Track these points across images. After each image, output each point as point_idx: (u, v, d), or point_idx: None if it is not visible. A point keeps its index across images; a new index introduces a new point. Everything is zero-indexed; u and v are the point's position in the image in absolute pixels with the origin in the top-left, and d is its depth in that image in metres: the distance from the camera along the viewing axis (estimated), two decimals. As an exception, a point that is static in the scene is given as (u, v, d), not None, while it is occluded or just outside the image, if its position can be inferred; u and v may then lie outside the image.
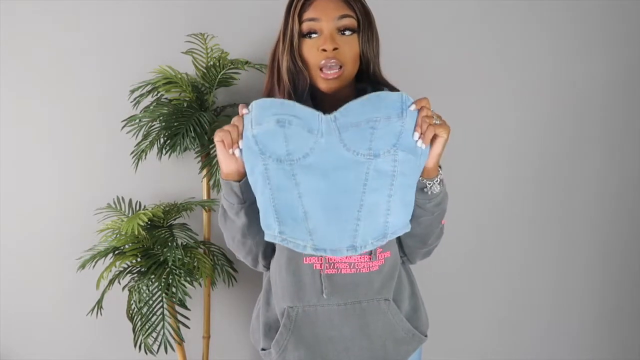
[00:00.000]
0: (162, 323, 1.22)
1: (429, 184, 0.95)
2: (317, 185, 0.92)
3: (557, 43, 1.61)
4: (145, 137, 1.36)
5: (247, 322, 1.33)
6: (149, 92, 1.36)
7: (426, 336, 1.11)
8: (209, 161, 1.39)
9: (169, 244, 1.30)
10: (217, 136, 0.92)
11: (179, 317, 1.30)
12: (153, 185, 1.51)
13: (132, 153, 1.37)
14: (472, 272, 1.70)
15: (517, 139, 1.65)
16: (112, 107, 1.45)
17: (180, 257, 1.25)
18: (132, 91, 1.38)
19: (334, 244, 0.95)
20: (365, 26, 1.00)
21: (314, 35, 0.97)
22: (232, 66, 1.38)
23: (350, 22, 0.97)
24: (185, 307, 1.25)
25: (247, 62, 1.39)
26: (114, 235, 1.31)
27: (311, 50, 0.97)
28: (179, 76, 1.35)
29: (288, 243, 0.96)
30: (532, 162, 1.66)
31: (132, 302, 1.26)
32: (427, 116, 0.89)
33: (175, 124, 1.31)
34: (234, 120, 0.93)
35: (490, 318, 1.74)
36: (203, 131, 1.31)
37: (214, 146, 1.35)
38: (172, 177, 1.51)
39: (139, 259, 1.30)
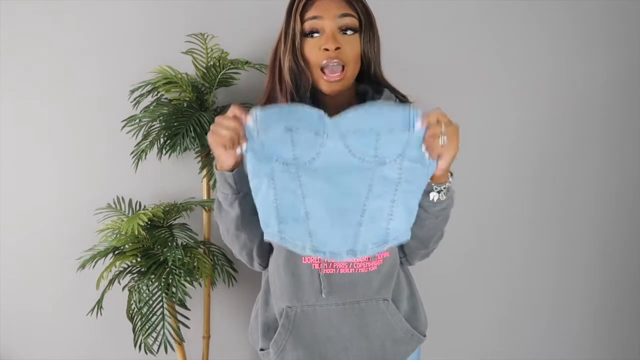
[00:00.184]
0: (162, 323, 1.22)
1: (437, 188, 0.95)
2: (321, 187, 0.92)
3: (557, 43, 1.61)
4: (145, 137, 1.36)
5: (247, 322, 1.33)
6: (149, 92, 1.36)
7: (425, 336, 1.11)
8: (209, 161, 1.39)
9: (169, 244, 1.30)
10: (215, 141, 0.88)
11: (179, 317, 1.30)
12: (153, 185, 1.51)
13: (132, 153, 1.37)
14: (471, 272, 1.70)
15: (517, 138, 1.65)
16: (112, 107, 1.45)
17: (180, 257, 1.25)
18: (132, 91, 1.38)
19: (334, 246, 0.95)
20: (366, 26, 1.00)
21: (315, 35, 0.97)
22: (232, 66, 1.38)
23: (352, 21, 0.97)
24: (185, 307, 1.25)
25: (247, 62, 1.39)
26: (114, 235, 1.31)
27: (313, 50, 0.97)
28: (179, 76, 1.35)
29: (286, 243, 0.95)
30: (532, 162, 1.67)
31: (132, 302, 1.26)
32: (433, 135, 0.87)
33: (175, 124, 1.31)
34: (230, 121, 0.87)
35: (489, 318, 1.74)
36: (203, 131, 1.31)
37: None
38: (172, 177, 1.51)
39: (139, 259, 1.30)
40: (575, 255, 1.74)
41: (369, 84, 1.08)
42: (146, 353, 1.22)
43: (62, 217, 1.50)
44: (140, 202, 1.46)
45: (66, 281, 1.50)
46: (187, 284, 1.25)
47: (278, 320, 1.06)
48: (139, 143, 1.37)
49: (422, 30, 1.56)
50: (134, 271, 1.31)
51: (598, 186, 1.71)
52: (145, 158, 1.37)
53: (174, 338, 1.27)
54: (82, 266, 1.28)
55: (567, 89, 1.64)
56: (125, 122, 1.36)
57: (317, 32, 0.97)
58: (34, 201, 1.49)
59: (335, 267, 1.01)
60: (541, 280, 1.74)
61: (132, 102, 1.38)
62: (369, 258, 1.00)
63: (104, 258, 1.29)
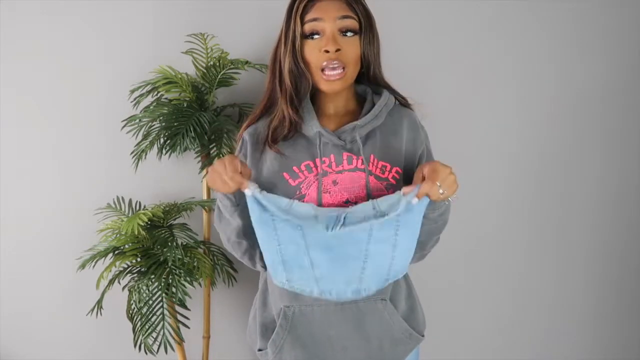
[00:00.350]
0: (162, 323, 1.22)
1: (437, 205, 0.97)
2: (323, 238, 0.94)
3: (557, 44, 1.61)
4: (145, 137, 1.36)
5: (246, 322, 1.33)
6: (149, 92, 1.36)
7: (423, 336, 1.11)
8: (209, 161, 1.39)
9: (169, 243, 1.30)
10: (214, 185, 0.92)
11: (179, 317, 1.30)
12: (153, 185, 1.51)
13: (132, 153, 1.37)
14: (471, 272, 1.70)
15: (517, 139, 1.65)
16: (112, 107, 1.45)
17: (180, 257, 1.25)
18: (132, 91, 1.38)
19: (339, 289, 0.99)
20: (366, 28, 1.00)
21: (316, 37, 0.97)
22: (232, 66, 1.38)
23: (352, 23, 0.97)
24: (185, 307, 1.25)
25: (247, 62, 1.38)
26: (114, 235, 1.31)
27: (313, 52, 0.97)
28: (179, 76, 1.35)
29: (295, 289, 1.00)
30: (532, 162, 1.66)
31: (132, 302, 1.26)
32: (431, 194, 0.90)
33: (175, 124, 1.31)
34: (230, 177, 0.89)
35: (489, 318, 1.74)
36: (203, 131, 1.31)
37: (214, 146, 1.37)
38: (172, 177, 1.51)
39: (139, 259, 1.30)
40: (575, 256, 1.74)
41: (368, 85, 1.08)
42: (146, 353, 1.22)
43: (62, 217, 1.50)
44: (140, 202, 1.46)
45: (66, 281, 1.50)
46: (187, 284, 1.25)
47: (276, 320, 1.06)
48: (139, 143, 1.37)
49: (422, 31, 1.56)
50: (134, 271, 1.31)
51: (598, 186, 1.71)
52: (145, 158, 1.37)
53: (174, 338, 1.26)
54: (82, 266, 1.28)
55: (567, 89, 1.64)
56: (125, 122, 1.36)
57: (317, 33, 0.97)
58: (34, 201, 1.49)
59: None
60: (541, 280, 1.73)
61: (132, 102, 1.38)
62: None
63: (104, 258, 1.29)
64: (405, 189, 0.90)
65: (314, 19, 0.96)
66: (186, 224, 1.42)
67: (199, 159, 1.45)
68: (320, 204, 0.97)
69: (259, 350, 1.10)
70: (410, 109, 1.11)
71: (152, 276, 1.24)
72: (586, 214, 1.72)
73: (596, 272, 1.76)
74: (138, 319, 1.23)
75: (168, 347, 1.21)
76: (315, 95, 1.05)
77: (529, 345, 1.77)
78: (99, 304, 1.29)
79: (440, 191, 0.89)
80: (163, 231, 1.34)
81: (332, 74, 0.97)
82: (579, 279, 1.76)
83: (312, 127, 1.00)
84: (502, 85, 1.61)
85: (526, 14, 1.58)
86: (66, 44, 1.44)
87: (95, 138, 1.48)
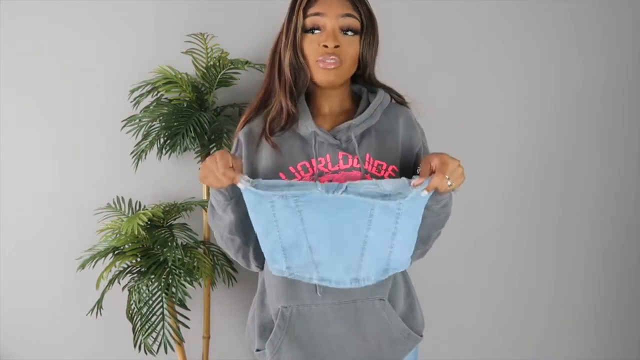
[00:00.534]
0: (162, 323, 1.22)
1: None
2: (322, 221, 0.93)
3: (557, 43, 1.61)
4: (145, 137, 1.36)
5: (246, 322, 1.33)
6: (149, 92, 1.36)
7: (422, 336, 1.10)
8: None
9: (169, 243, 1.30)
10: (206, 181, 0.92)
11: (179, 317, 1.30)
12: (153, 185, 1.50)
13: (132, 153, 1.37)
14: (470, 272, 1.70)
15: (517, 139, 1.65)
16: (112, 107, 1.45)
17: (180, 257, 1.25)
18: (132, 91, 1.38)
19: (338, 276, 0.98)
20: (368, 30, 1.00)
21: (316, 31, 0.97)
22: (232, 66, 1.38)
23: (354, 22, 0.97)
24: (185, 307, 1.25)
25: (247, 62, 1.39)
26: (114, 235, 1.32)
27: (312, 45, 0.97)
28: (179, 76, 1.35)
29: (295, 277, 0.99)
30: (532, 162, 1.66)
31: (132, 302, 1.26)
32: (440, 186, 0.90)
33: (175, 124, 1.31)
34: (222, 173, 0.89)
35: (488, 318, 1.74)
36: (203, 131, 1.31)
37: (214, 146, 1.37)
38: (172, 177, 1.51)
39: (138, 259, 1.30)
40: (575, 255, 1.74)
41: (363, 85, 1.08)
42: (146, 353, 1.22)
43: (62, 217, 1.50)
44: (140, 202, 1.46)
45: (66, 281, 1.50)
46: (187, 284, 1.25)
47: (274, 320, 1.06)
48: (139, 143, 1.37)
49: (422, 31, 1.56)
50: (134, 271, 1.31)
51: (598, 186, 1.71)
52: (145, 158, 1.37)
53: (173, 338, 1.26)
54: (82, 266, 1.28)
55: (567, 89, 1.64)
56: (125, 122, 1.36)
57: (318, 28, 0.97)
58: (34, 201, 1.49)
59: None
60: (541, 280, 1.73)
61: (132, 102, 1.38)
62: None
63: (104, 258, 1.29)
64: (414, 182, 0.90)
65: (317, 14, 0.96)
66: (186, 224, 1.42)
67: (199, 159, 1.45)
68: None
69: (257, 350, 1.10)
70: (407, 106, 1.11)
71: (152, 276, 1.24)
72: (586, 214, 1.72)
73: (596, 272, 1.76)
74: (138, 319, 1.23)
75: (168, 347, 1.21)
76: (311, 94, 1.05)
77: (529, 345, 1.77)
78: (99, 304, 1.29)
79: (449, 183, 0.89)
80: (163, 231, 1.34)
81: (328, 62, 0.96)
82: (579, 279, 1.76)
83: (307, 127, 1.00)
84: (502, 85, 1.61)
85: (526, 14, 1.58)
86: (66, 44, 1.44)
87: (95, 138, 1.48)
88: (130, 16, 1.45)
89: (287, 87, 0.99)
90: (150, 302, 1.23)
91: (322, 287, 1.01)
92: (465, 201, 1.62)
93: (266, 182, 0.91)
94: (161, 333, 1.21)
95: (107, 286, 1.30)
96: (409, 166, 1.04)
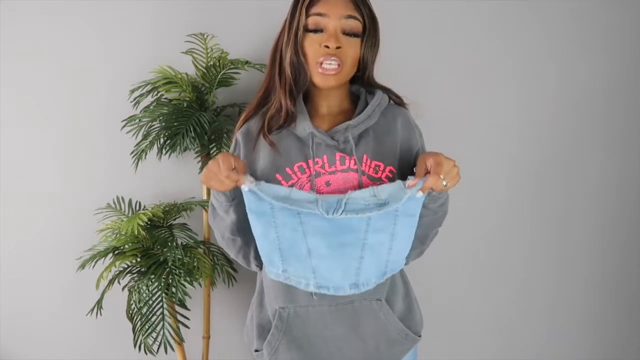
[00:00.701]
0: (162, 323, 1.22)
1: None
2: (321, 224, 0.93)
3: (558, 43, 1.61)
4: (145, 137, 1.36)
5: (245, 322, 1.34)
6: (149, 92, 1.36)
7: (420, 336, 1.10)
8: (209, 161, 1.38)
9: (169, 243, 1.30)
10: (209, 183, 0.93)
11: (179, 317, 1.30)
12: (153, 185, 1.50)
13: (132, 153, 1.37)
14: (469, 271, 1.70)
15: (518, 138, 1.65)
16: (112, 107, 1.45)
17: (180, 257, 1.25)
18: (132, 91, 1.38)
19: (337, 282, 0.97)
20: (370, 32, 1.00)
21: (318, 32, 0.97)
22: (232, 66, 1.38)
23: (356, 24, 0.97)
24: (185, 307, 1.25)
25: (247, 62, 1.38)
26: (114, 235, 1.32)
27: (313, 45, 0.97)
28: (179, 76, 1.35)
29: (291, 281, 0.98)
30: (533, 162, 1.66)
31: (132, 302, 1.26)
32: (435, 187, 0.91)
33: (175, 124, 1.31)
34: (225, 176, 0.90)
35: (487, 318, 1.74)
36: (203, 131, 1.31)
37: (214, 146, 1.37)
38: (172, 177, 1.51)
39: (138, 259, 1.30)
40: (576, 256, 1.74)
41: (362, 86, 1.08)
42: (146, 353, 1.22)
43: (62, 217, 1.50)
44: (140, 202, 1.46)
45: (66, 281, 1.50)
46: (187, 284, 1.25)
47: (272, 321, 1.06)
48: (139, 143, 1.37)
49: (422, 31, 1.56)
50: (134, 271, 1.31)
51: (599, 186, 1.71)
52: (145, 158, 1.37)
53: (173, 338, 1.26)
54: (82, 266, 1.28)
55: (568, 89, 1.64)
56: (125, 122, 1.36)
57: (320, 29, 0.97)
58: (34, 201, 1.49)
59: None
60: (541, 280, 1.73)
61: (132, 102, 1.38)
62: None
63: (104, 258, 1.29)
64: (409, 183, 0.90)
65: (319, 14, 0.96)
66: (186, 224, 1.42)
67: (199, 159, 1.45)
68: None
69: (256, 351, 1.10)
70: (405, 108, 1.11)
71: (152, 276, 1.24)
72: (587, 214, 1.72)
73: (596, 272, 1.76)
74: (138, 319, 1.23)
75: (168, 347, 1.21)
76: (309, 94, 1.05)
77: (529, 345, 1.77)
78: (99, 304, 1.29)
79: (444, 183, 0.89)
80: (163, 231, 1.34)
81: (327, 68, 0.96)
82: (579, 279, 1.76)
83: (304, 127, 1.00)
84: (502, 85, 1.61)
85: (526, 13, 1.58)
86: (66, 44, 1.44)
87: (95, 138, 1.48)
88: (130, 16, 1.45)
89: (287, 85, 0.99)
90: (150, 302, 1.23)
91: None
92: (466, 201, 1.62)
93: (268, 187, 0.92)
94: (161, 333, 1.21)
95: (107, 286, 1.30)
96: (407, 167, 1.04)
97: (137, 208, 1.44)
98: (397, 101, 1.10)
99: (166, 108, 1.35)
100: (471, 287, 1.71)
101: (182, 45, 1.39)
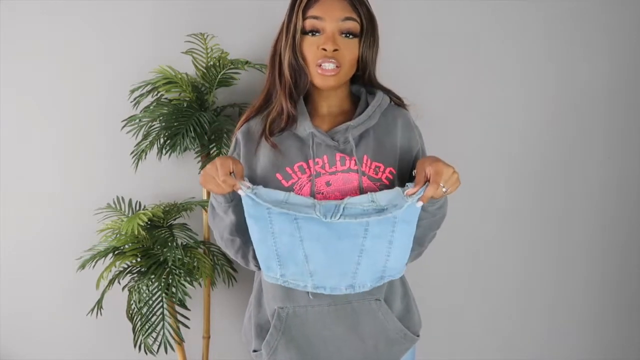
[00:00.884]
0: (162, 323, 1.22)
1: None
2: (318, 230, 0.93)
3: (558, 43, 1.61)
4: (145, 137, 1.36)
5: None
6: (149, 92, 1.36)
7: (418, 336, 1.11)
8: (209, 161, 1.38)
9: (169, 244, 1.30)
10: (207, 186, 0.93)
11: (179, 317, 1.30)
12: (153, 185, 1.51)
13: (132, 153, 1.37)
14: (470, 272, 1.70)
15: (519, 139, 1.65)
16: (112, 107, 1.45)
17: (180, 257, 1.25)
18: (132, 91, 1.38)
19: (333, 283, 0.98)
20: (368, 31, 1.00)
21: (316, 34, 0.97)
22: (232, 66, 1.38)
23: (354, 25, 0.97)
24: (185, 307, 1.25)
25: (247, 62, 1.38)
26: (114, 235, 1.32)
27: (311, 48, 0.97)
28: (179, 76, 1.35)
29: (289, 284, 0.99)
30: (534, 162, 1.66)
31: (132, 302, 1.26)
32: (435, 195, 0.90)
33: (175, 124, 1.31)
34: (223, 181, 0.90)
35: (488, 318, 1.74)
36: (203, 131, 1.31)
37: (214, 146, 1.37)
38: (172, 177, 1.51)
39: (139, 259, 1.30)
40: (576, 256, 1.74)
41: (362, 86, 1.08)
42: (146, 353, 1.22)
43: (62, 217, 1.50)
44: (140, 202, 1.46)
45: (66, 281, 1.50)
46: (187, 284, 1.25)
47: (270, 321, 1.06)
48: (139, 143, 1.37)
49: (422, 31, 1.55)
50: (134, 271, 1.31)
51: (600, 187, 1.71)
52: (145, 158, 1.37)
53: (173, 338, 1.26)
54: (82, 266, 1.28)
55: (569, 89, 1.64)
56: (125, 122, 1.36)
57: (317, 31, 0.97)
58: (34, 201, 1.49)
59: None
60: (541, 280, 1.73)
61: (132, 102, 1.38)
62: None
63: (104, 258, 1.29)
64: (408, 191, 0.90)
65: (316, 17, 0.96)
66: (186, 224, 1.42)
67: (199, 159, 1.45)
68: None
69: (254, 351, 1.09)
70: (405, 109, 1.11)
71: (152, 276, 1.24)
72: (587, 214, 1.72)
73: (597, 272, 1.76)
74: (138, 319, 1.23)
75: (168, 347, 1.21)
76: (310, 94, 1.05)
77: (529, 345, 1.77)
78: (99, 304, 1.29)
79: (444, 189, 0.89)
80: (163, 231, 1.35)
81: (327, 69, 0.96)
82: (579, 280, 1.76)
83: (305, 127, 1.00)
84: (502, 86, 1.61)
85: (526, 13, 1.58)
86: (66, 44, 1.44)
87: (95, 138, 1.48)
88: (130, 16, 1.45)
89: (287, 88, 0.99)
90: (150, 302, 1.24)
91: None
92: (466, 201, 1.62)
93: (266, 192, 0.92)
94: (161, 333, 1.21)
95: (107, 286, 1.30)
96: (406, 168, 1.04)
97: (137, 208, 1.44)
98: (397, 102, 1.10)
99: (166, 108, 1.35)
100: (470, 287, 1.71)
101: (182, 45, 1.39)
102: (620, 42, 1.64)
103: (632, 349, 1.84)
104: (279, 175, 1.00)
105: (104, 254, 1.28)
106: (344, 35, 0.97)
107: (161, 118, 1.34)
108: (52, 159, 1.48)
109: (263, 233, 0.95)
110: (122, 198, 1.45)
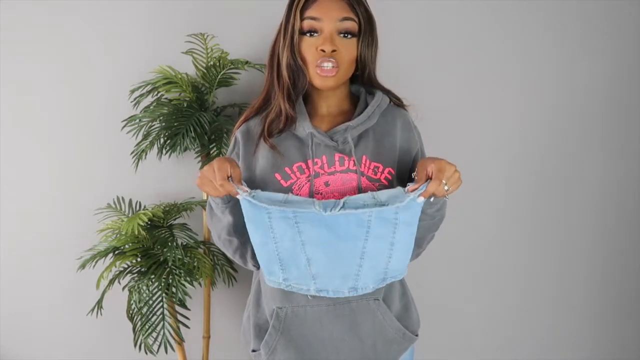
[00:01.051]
0: (162, 323, 1.22)
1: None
2: (319, 233, 0.93)
3: (559, 43, 1.61)
4: (145, 137, 1.36)
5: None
6: (149, 92, 1.36)
7: (417, 336, 1.11)
8: (209, 161, 1.39)
9: (169, 244, 1.30)
10: (203, 189, 0.93)
11: (179, 317, 1.30)
12: (153, 185, 1.51)
13: (132, 153, 1.37)
14: (470, 272, 1.70)
15: (519, 139, 1.65)
16: (112, 107, 1.45)
17: (180, 257, 1.25)
18: (132, 91, 1.38)
19: (336, 286, 0.98)
20: (366, 31, 0.99)
21: (314, 34, 0.97)
22: (232, 66, 1.38)
23: (352, 25, 0.97)
24: (185, 307, 1.25)
25: (247, 62, 1.39)
26: (114, 235, 1.32)
27: (309, 49, 0.97)
28: (179, 76, 1.35)
29: (292, 288, 0.99)
30: (534, 162, 1.66)
31: (132, 302, 1.26)
32: (437, 193, 0.90)
33: (175, 124, 1.31)
34: (221, 185, 0.89)
35: (486, 318, 1.74)
36: (203, 131, 1.31)
37: (214, 146, 1.37)
38: (172, 177, 1.51)
39: (139, 259, 1.30)
40: (576, 256, 1.74)
41: (362, 86, 1.08)
42: (146, 353, 1.22)
43: (62, 217, 1.50)
44: (140, 202, 1.46)
45: (66, 281, 1.50)
46: (187, 284, 1.25)
47: (269, 321, 1.06)
48: (139, 143, 1.37)
49: (422, 31, 1.56)
50: (134, 271, 1.31)
51: (600, 187, 1.71)
52: (145, 158, 1.37)
53: (174, 338, 1.27)
54: (82, 266, 1.28)
55: (569, 89, 1.64)
56: (125, 122, 1.36)
57: (315, 32, 0.97)
58: (34, 201, 1.49)
59: None
60: (541, 280, 1.73)
61: (132, 102, 1.38)
62: None
63: (104, 258, 1.29)
64: (409, 188, 0.90)
65: (313, 18, 0.96)
66: (186, 224, 1.42)
67: (199, 159, 1.45)
68: None
69: (253, 351, 1.09)
70: (404, 109, 1.10)
71: (152, 276, 1.25)
72: (587, 214, 1.72)
73: (597, 272, 1.76)
74: (138, 319, 1.23)
75: (168, 347, 1.21)
76: (309, 94, 1.05)
77: (529, 345, 1.77)
78: (99, 304, 1.29)
79: (446, 188, 0.89)
80: (163, 231, 1.35)
81: (326, 69, 0.96)
82: (579, 280, 1.76)
83: (304, 128, 1.00)
84: (502, 86, 1.61)
85: (527, 13, 1.58)
86: (66, 44, 1.44)
87: (95, 138, 1.48)
88: (130, 16, 1.45)
89: (286, 89, 0.99)
90: (151, 302, 1.24)
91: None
92: (466, 201, 1.62)
93: (264, 195, 0.91)
94: (161, 333, 1.21)
95: (107, 286, 1.30)
96: (406, 169, 1.04)
97: (137, 208, 1.44)
98: (397, 102, 1.09)
99: (166, 108, 1.35)
100: (469, 287, 1.71)
101: (182, 45, 1.39)
102: (620, 42, 1.64)
103: (632, 349, 1.84)
104: (277, 176, 1.00)
105: (104, 254, 1.28)
106: (342, 35, 0.97)
107: (161, 118, 1.34)
108: (53, 159, 1.48)
109: (264, 238, 0.95)
110: (122, 198, 1.45)
